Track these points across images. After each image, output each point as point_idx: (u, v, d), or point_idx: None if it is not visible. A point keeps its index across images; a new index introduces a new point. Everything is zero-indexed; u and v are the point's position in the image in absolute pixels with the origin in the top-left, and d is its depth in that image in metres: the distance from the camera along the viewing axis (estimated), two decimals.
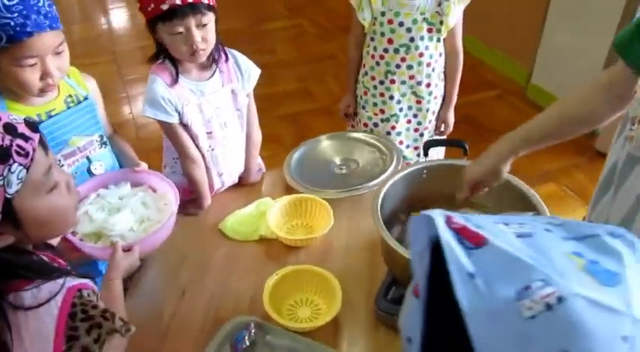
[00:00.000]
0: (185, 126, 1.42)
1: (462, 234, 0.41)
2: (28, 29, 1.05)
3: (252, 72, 1.51)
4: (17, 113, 1.17)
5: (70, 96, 1.28)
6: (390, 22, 1.66)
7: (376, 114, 1.86)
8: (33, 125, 0.78)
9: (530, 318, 0.36)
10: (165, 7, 1.24)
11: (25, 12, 1.03)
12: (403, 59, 1.72)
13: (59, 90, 1.26)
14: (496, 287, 0.38)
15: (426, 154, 1.49)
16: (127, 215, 1.20)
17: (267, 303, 1.16)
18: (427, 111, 1.83)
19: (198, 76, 1.42)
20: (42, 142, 0.78)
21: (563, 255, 0.40)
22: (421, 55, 1.71)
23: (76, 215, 0.89)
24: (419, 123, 1.86)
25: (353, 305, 1.22)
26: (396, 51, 1.70)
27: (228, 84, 1.46)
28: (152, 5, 1.25)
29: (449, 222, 0.42)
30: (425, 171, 1.28)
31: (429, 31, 1.67)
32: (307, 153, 1.67)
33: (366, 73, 1.82)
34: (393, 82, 1.76)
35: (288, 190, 1.56)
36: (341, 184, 1.53)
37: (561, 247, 0.42)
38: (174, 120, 1.39)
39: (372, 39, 1.74)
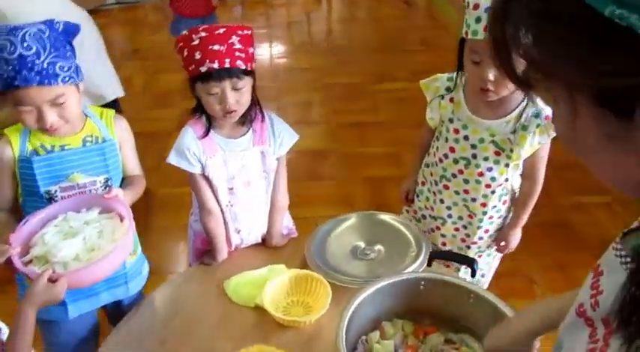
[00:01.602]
0: (207, 179, 1.44)
1: None
2: (16, 83, 1.16)
3: (286, 137, 1.50)
4: (33, 139, 1.29)
5: (91, 136, 1.36)
6: (456, 131, 1.54)
7: (426, 208, 1.74)
8: None
9: None
10: (203, 69, 1.28)
11: (17, 67, 1.14)
12: (461, 171, 1.57)
13: (82, 129, 1.35)
14: None
15: (429, 265, 1.33)
16: (76, 242, 1.19)
17: None
18: (478, 228, 1.66)
19: (229, 133, 1.45)
20: None
21: None
22: (480, 174, 1.55)
23: None
24: (467, 235, 1.69)
25: None
26: (455, 161, 1.57)
27: (258, 145, 1.47)
28: (193, 66, 1.30)
29: None
30: (423, 283, 1.14)
31: (497, 153, 1.51)
32: (335, 229, 1.60)
33: (427, 165, 1.71)
34: (446, 187, 1.63)
35: (305, 263, 1.50)
36: (357, 271, 1.43)
37: None
38: (195, 170, 1.42)
39: (437, 138, 1.63)
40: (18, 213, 1.36)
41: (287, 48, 5.73)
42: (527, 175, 1.58)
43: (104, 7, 6.73)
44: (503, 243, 1.68)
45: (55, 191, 1.31)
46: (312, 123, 3.95)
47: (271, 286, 1.40)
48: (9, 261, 1.13)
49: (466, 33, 1.34)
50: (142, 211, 3.06)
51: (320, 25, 6.70)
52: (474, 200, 1.60)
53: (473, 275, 1.18)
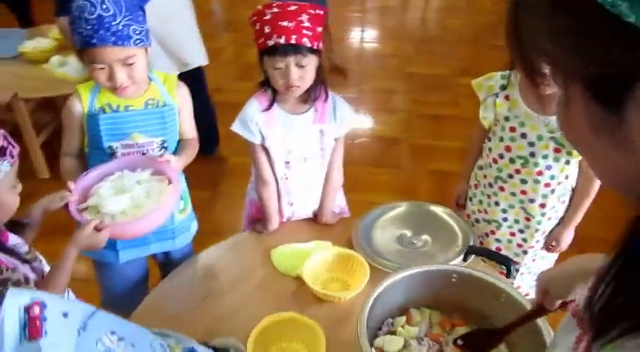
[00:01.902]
0: (266, 150, 1.51)
1: (30, 323, 0.40)
2: (93, 41, 1.26)
3: (347, 119, 1.53)
4: (102, 97, 1.40)
5: (153, 99, 1.44)
6: (513, 129, 1.49)
7: (480, 212, 1.70)
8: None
9: None
10: (270, 43, 1.34)
11: (96, 27, 1.24)
12: (517, 171, 1.53)
13: (145, 92, 1.44)
14: None
15: (465, 259, 1.31)
16: (125, 199, 1.28)
17: (251, 347, 1.17)
18: (536, 231, 1.61)
19: (292, 109, 1.50)
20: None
21: None
22: (539, 173, 1.50)
23: (10, 213, 1.09)
24: (524, 240, 1.64)
25: None
26: (512, 161, 1.52)
27: (318, 123, 1.51)
28: (262, 39, 1.36)
29: (31, 306, 0.41)
30: (455, 276, 1.14)
31: (557, 150, 1.46)
32: (385, 215, 1.62)
33: (480, 168, 1.67)
34: (502, 189, 1.59)
35: (351, 243, 1.54)
36: (398, 258, 1.45)
37: None
38: (255, 140, 1.49)
39: (490, 139, 1.59)
40: (83, 161, 1.49)
41: (377, 33, 5.70)
42: (585, 171, 1.51)
43: None
44: (554, 243, 1.63)
45: (117, 147, 1.42)
46: (390, 110, 3.93)
47: (313, 260, 1.44)
48: (66, 206, 1.25)
49: None
50: (213, 176, 3.24)
51: (415, 12, 6.58)
52: (532, 201, 1.55)
53: (507, 275, 1.16)
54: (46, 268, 1.19)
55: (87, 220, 1.21)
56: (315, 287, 1.37)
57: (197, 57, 2.61)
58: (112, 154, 1.42)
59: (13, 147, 1.02)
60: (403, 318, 1.17)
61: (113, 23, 1.26)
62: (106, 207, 1.25)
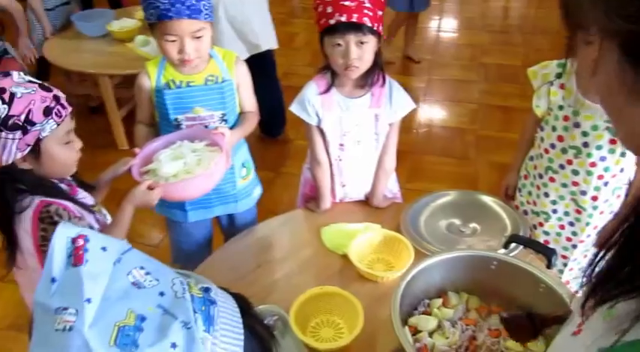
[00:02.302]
0: (322, 132, 1.57)
1: (74, 252, 0.49)
2: (170, 14, 1.36)
3: (402, 105, 1.56)
4: (167, 74, 1.52)
5: (212, 75, 1.54)
6: (566, 118, 1.46)
7: (529, 203, 1.67)
8: (69, 102, 1.15)
9: (55, 330, 0.47)
10: (332, 21, 1.38)
11: (172, 1, 1.34)
12: (569, 162, 1.49)
13: (205, 68, 1.53)
14: (65, 297, 0.48)
15: (505, 247, 1.30)
16: (178, 164, 1.38)
17: (292, 316, 1.23)
18: (587, 225, 1.56)
19: (349, 92, 1.54)
20: (72, 113, 1.15)
21: (127, 310, 0.49)
22: (592, 164, 1.46)
23: (73, 166, 1.22)
24: (574, 234, 1.60)
25: (370, 349, 1.23)
26: (564, 151, 1.49)
27: (374, 107, 1.54)
28: (323, 19, 1.41)
29: (76, 238, 0.49)
30: (495, 263, 1.15)
31: (612, 142, 1.41)
32: (435, 202, 1.65)
33: (531, 158, 1.65)
34: (552, 180, 1.55)
35: (400, 227, 1.57)
36: (443, 243, 1.48)
37: (140, 306, 0.50)
38: (312, 121, 1.55)
39: (543, 128, 1.55)
40: (155, 128, 1.63)
41: (455, 23, 5.58)
42: None
43: None
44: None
45: (182, 119, 1.54)
46: (458, 101, 3.87)
47: (360, 240, 1.49)
48: (131, 170, 1.39)
49: None
50: (277, 157, 3.34)
51: (497, 1, 6.36)
52: (583, 193, 1.52)
53: (548, 266, 1.15)
54: (109, 221, 1.34)
55: (142, 180, 1.33)
56: (360, 266, 1.42)
57: (268, 40, 2.70)
58: (177, 126, 1.54)
59: (63, 108, 1.12)
60: (439, 300, 1.20)
61: None
62: (162, 170, 1.36)
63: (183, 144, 1.46)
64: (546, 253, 1.15)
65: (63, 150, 1.16)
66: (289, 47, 4.56)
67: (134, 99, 3.51)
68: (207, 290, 0.56)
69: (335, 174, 1.64)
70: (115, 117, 3.18)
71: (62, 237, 0.50)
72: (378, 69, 1.51)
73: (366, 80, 1.52)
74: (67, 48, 3.19)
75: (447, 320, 1.15)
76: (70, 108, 1.15)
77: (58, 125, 1.11)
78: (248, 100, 1.65)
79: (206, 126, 1.55)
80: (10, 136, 1.06)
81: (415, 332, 1.15)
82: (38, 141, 1.10)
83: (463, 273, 1.19)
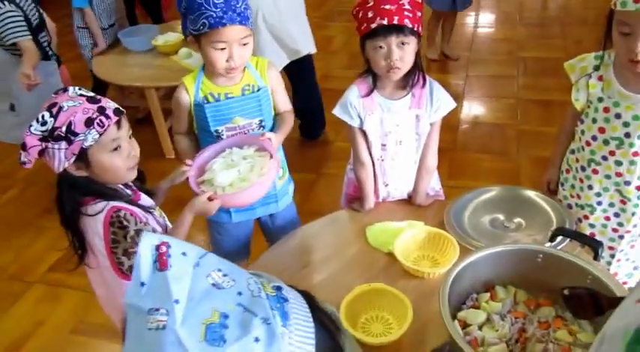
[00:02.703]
0: (364, 133, 1.61)
1: (159, 258, 0.54)
2: (224, 21, 1.41)
3: (443, 105, 1.58)
4: (204, 88, 1.58)
5: (248, 85, 1.59)
6: (606, 110, 1.46)
7: (572, 197, 1.67)
8: (118, 111, 1.20)
9: (148, 329, 0.52)
10: (374, 25, 1.43)
11: (225, 9, 1.40)
12: (612, 153, 1.49)
13: (241, 79, 1.58)
14: (155, 298, 0.53)
15: (551, 240, 1.30)
16: (232, 173, 1.44)
17: (343, 312, 1.28)
18: (633, 214, 1.55)
19: (390, 94, 1.58)
20: (119, 122, 1.20)
21: (211, 309, 0.53)
22: (635, 154, 1.45)
23: (126, 172, 1.27)
24: (620, 224, 1.59)
25: (420, 343, 1.26)
26: (605, 142, 1.49)
27: (415, 108, 1.57)
28: (365, 24, 1.45)
29: (160, 245, 0.55)
30: (540, 256, 1.17)
31: None
32: (479, 198, 1.66)
33: (572, 152, 1.65)
34: (595, 172, 1.55)
35: (443, 224, 1.59)
36: (488, 239, 1.49)
37: (223, 305, 0.54)
38: (354, 124, 1.59)
39: (583, 121, 1.55)
40: (192, 136, 1.69)
41: (493, 17, 5.52)
42: None
43: None
44: None
45: (222, 130, 1.60)
46: (498, 96, 3.85)
47: (405, 237, 1.52)
48: (187, 180, 1.47)
49: (614, 4, 1.29)
50: (317, 159, 3.39)
51: None
52: (627, 183, 1.51)
53: (595, 258, 1.16)
54: (169, 224, 1.43)
55: (202, 191, 1.41)
56: (406, 263, 1.45)
57: (307, 45, 2.77)
58: (217, 136, 1.60)
59: (107, 118, 1.17)
60: (487, 294, 1.22)
61: (237, 5, 1.43)
62: (218, 180, 1.43)
63: (233, 152, 1.52)
64: (593, 245, 1.16)
65: (111, 158, 1.22)
66: (326, 50, 4.62)
67: None
68: (279, 288, 0.62)
69: (378, 174, 1.68)
70: (162, 127, 3.31)
71: (147, 244, 0.56)
72: (418, 70, 1.54)
73: (407, 81, 1.55)
74: (114, 63, 3.36)
75: (496, 313, 1.17)
76: (114, 118, 1.19)
77: (101, 135, 1.17)
78: (282, 101, 1.70)
79: (245, 134, 1.61)
80: (57, 146, 1.15)
81: (464, 325, 1.17)
82: (84, 150, 1.17)
83: (509, 267, 1.20)
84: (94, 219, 1.23)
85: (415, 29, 1.44)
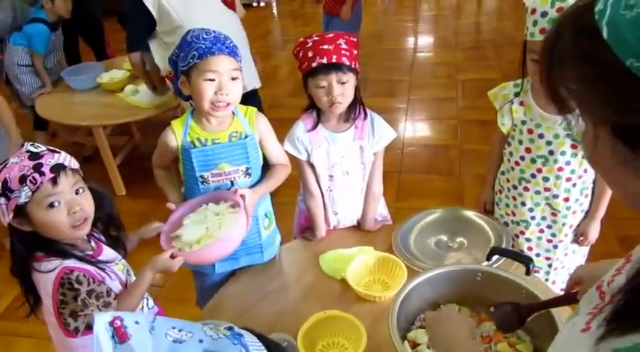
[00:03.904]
0: (312, 166, 1.69)
1: (116, 332, 0.59)
2: (213, 50, 1.45)
3: (384, 135, 1.68)
4: (192, 132, 1.59)
5: (236, 132, 1.59)
6: (530, 131, 1.60)
7: (507, 215, 1.80)
8: (56, 167, 1.19)
9: None
10: (314, 64, 1.52)
11: (214, 41, 1.45)
12: (539, 170, 1.63)
13: (229, 125, 1.59)
14: None
15: (488, 259, 1.42)
16: (200, 229, 1.45)
17: (300, 342, 1.32)
18: (563, 225, 1.70)
19: (334, 127, 1.66)
20: (54, 179, 1.18)
21: None
22: (560, 169, 1.60)
23: (70, 230, 1.23)
24: (553, 235, 1.73)
25: None
26: (533, 161, 1.63)
27: (358, 139, 1.66)
28: (306, 63, 1.54)
29: (113, 320, 0.59)
30: (480, 275, 1.26)
31: (573, 147, 1.56)
32: (423, 220, 1.76)
33: (503, 173, 1.79)
34: (526, 189, 1.69)
35: (392, 248, 1.67)
36: (434, 260, 1.59)
37: None
38: (302, 157, 1.67)
39: (510, 143, 1.70)
40: (171, 169, 1.70)
41: (429, 42, 5.79)
42: None
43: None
44: (582, 237, 1.72)
45: (207, 176, 1.58)
46: (440, 118, 4.03)
47: (356, 263, 1.59)
48: (159, 235, 1.48)
49: (525, 35, 1.46)
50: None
51: (468, 18, 6.59)
52: (555, 197, 1.65)
53: (527, 273, 1.26)
54: (132, 278, 1.42)
55: (167, 248, 1.41)
56: (358, 288, 1.52)
57: (252, 81, 2.85)
58: (203, 182, 1.59)
59: (41, 175, 1.16)
60: (434, 313, 1.30)
61: (226, 41, 1.48)
62: (185, 236, 1.44)
63: (208, 208, 1.53)
64: (524, 261, 1.26)
65: (47, 215, 1.19)
66: (273, 79, 4.72)
67: (128, 146, 3.64)
68: (230, 328, 0.67)
69: (327, 203, 1.76)
70: (111, 165, 3.29)
71: (100, 324, 0.59)
72: (358, 103, 1.64)
73: (349, 114, 1.64)
74: (59, 102, 3.32)
75: None
76: (49, 175, 1.17)
77: (34, 192, 1.16)
78: (274, 152, 1.67)
79: (232, 182, 1.60)
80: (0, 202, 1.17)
81: (414, 345, 1.25)
82: (21, 207, 1.17)
83: (452, 286, 1.29)
84: (45, 277, 1.22)
85: (353, 66, 1.54)
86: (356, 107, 1.64)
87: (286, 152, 1.69)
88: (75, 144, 3.77)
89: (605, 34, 0.47)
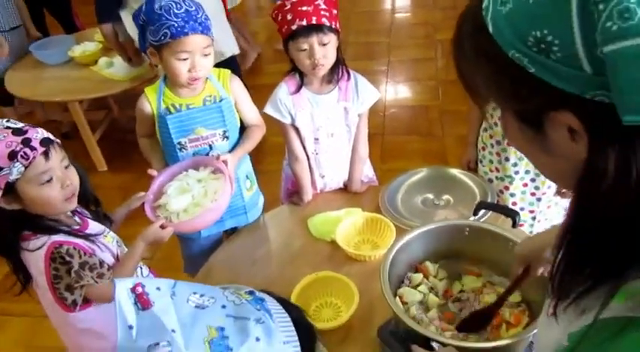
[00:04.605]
0: (296, 129, 1.67)
1: (138, 299, 0.58)
2: (186, 30, 1.41)
3: (368, 96, 1.67)
4: (166, 99, 1.58)
5: (210, 95, 1.58)
6: None
7: (492, 171, 1.82)
8: (46, 141, 1.16)
9: None
10: (294, 27, 1.49)
11: (186, 18, 1.41)
12: None
13: (203, 90, 1.58)
14: (150, 335, 0.56)
15: (475, 214, 1.44)
16: (186, 198, 1.46)
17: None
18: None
19: (318, 89, 1.65)
20: (46, 153, 1.15)
21: (206, 327, 0.57)
22: None
23: (62, 204, 1.22)
24: (536, 188, 1.76)
25: (368, 322, 1.33)
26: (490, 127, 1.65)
27: (342, 101, 1.65)
28: (285, 27, 1.51)
29: (135, 287, 0.59)
30: (467, 230, 1.28)
31: None
32: (409, 180, 1.78)
33: (485, 129, 1.79)
34: (509, 144, 1.69)
35: (379, 208, 1.68)
36: (421, 218, 1.60)
37: (213, 321, 0.58)
38: (286, 121, 1.66)
39: None
40: (155, 138, 1.66)
41: (409, 2, 5.71)
42: None
43: None
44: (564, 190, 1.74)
45: (185, 142, 1.58)
46: (419, 79, 4.01)
47: (345, 225, 1.61)
48: (143, 205, 1.48)
49: None
50: (254, 155, 3.40)
51: None
52: None
53: (513, 226, 1.29)
54: (124, 249, 1.41)
55: (154, 219, 1.41)
56: (348, 249, 1.53)
57: (230, 47, 2.78)
58: (181, 148, 1.58)
59: (32, 150, 1.13)
60: (420, 276, 1.29)
61: (198, 16, 1.43)
62: (172, 206, 1.44)
63: (189, 175, 1.53)
64: (511, 215, 1.28)
65: (42, 191, 1.18)
66: None
67: (106, 120, 3.57)
68: (251, 292, 0.67)
69: (313, 167, 1.75)
70: (90, 140, 3.22)
71: (122, 290, 0.59)
72: (341, 64, 1.62)
73: (332, 76, 1.63)
74: (30, 78, 3.21)
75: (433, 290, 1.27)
76: (40, 149, 1.14)
77: (26, 168, 1.13)
78: (249, 114, 1.69)
79: (210, 146, 1.60)
80: None
81: (403, 303, 1.26)
82: (11, 184, 1.13)
83: (441, 242, 1.30)
84: (34, 255, 1.20)
85: (333, 26, 1.51)
86: (338, 68, 1.62)
87: (269, 116, 1.67)
88: (51, 122, 3.67)
89: (490, 29, 0.51)
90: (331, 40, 1.53)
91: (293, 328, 0.62)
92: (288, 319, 0.63)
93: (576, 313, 0.55)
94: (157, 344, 0.55)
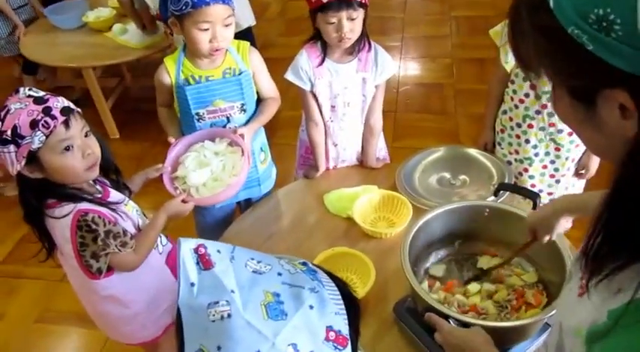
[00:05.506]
0: (315, 96, 1.68)
1: (201, 259, 0.60)
2: (207, 0, 1.41)
3: (387, 68, 1.67)
4: (185, 70, 1.58)
5: (230, 68, 1.59)
6: None
7: (510, 153, 1.82)
8: (66, 110, 1.16)
9: (211, 322, 0.57)
10: (325, 0, 1.48)
11: None
12: (544, 106, 1.63)
13: (222, 62, 1.58)
14: (210, 294, 0.58)
15: (495, 195, 1.45)
16: (205, 173, 1.49)
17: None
18: (566, 159, 1.73)
19: (338, 58, 1.65)
20: (66, 122, 1.16)
21: (263, 291, 0.59)
22: None
23: (84, 172, 1.24)
24: (556, 170, 1.77)
25: (383, 298, 1.35)
26: (538, 97, 1.63)
27: (362, 71, 1.65)
28: None
29: (197, 248, 0.61)
30: (487, 211, 1.29)
31: None
32: (426, 159, 1.77)
33: (505, 112, 1.78)
34: (530, 126, 1.70)
35: (395, 186, 1.69)
36: (437, 197, 1.61)
37: (270, 286, 0.60)
38: (306, 87, 1.67)
39: (513, 82, 1.69)
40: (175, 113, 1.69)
41: None
42: None
43: None
44: (583, 170, 1.76)
45: (203, 113, 1.59)
46: (434, 56, 3.97)
47: (362, 201, 1.61)
48: (161, 176, 1.50)
49: None
50: (268, 128, 3.41)
51: None
52: (560, 131, 1.67)
53: (534, 207, 1.29)
54: (145, 219, 1.44)
55: (177, 194, 1.45)
56: (365, 225, 1.55)
57: (246, 18, 2.76)
58: (199, 119, 1.59)
59: (53, 119, 1.13)
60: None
61: None
62: (191, 180, 1.47)
63: (205, 146, 1.54)
64: (531, 196, 1.29)
65: (63, 159, 1.18)
66: (263, 19, 4.57)
67: (119, 88, 3.55)
68: (304, 263, 0.69)
69: (327, 134, 1.77)
70: (103, 108, 3.22)
71: (186, 249, 0.60)
72: (364, 35, 1.61)
73: (354, 47, 1.63)
74: (44, 43, 3.20)
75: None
76: (61, 118, 1.15)
77: (47, 136, 1.14)
78: (266, 86, 1.70)
79: (227, 118, 1.62)
80: (6, 150, 1.13)
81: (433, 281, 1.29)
82: (33, 152, 1.14)
83: (461, 222, 1.31)
84: (60, 222, 1.22)
85: (363, 1, 1.51)
86: (362, 40, 1.62)
87: (289, 83, 1.68)
88: (58, 89, 3.66)
89: (551, 4, 0.51)
90: (360, 14, 1.53)
91: (342, 302, 0.63)
92: (339, 294, 0.64)
93: (610, 291, 0.56)
94: (217, 302, 0.57)
